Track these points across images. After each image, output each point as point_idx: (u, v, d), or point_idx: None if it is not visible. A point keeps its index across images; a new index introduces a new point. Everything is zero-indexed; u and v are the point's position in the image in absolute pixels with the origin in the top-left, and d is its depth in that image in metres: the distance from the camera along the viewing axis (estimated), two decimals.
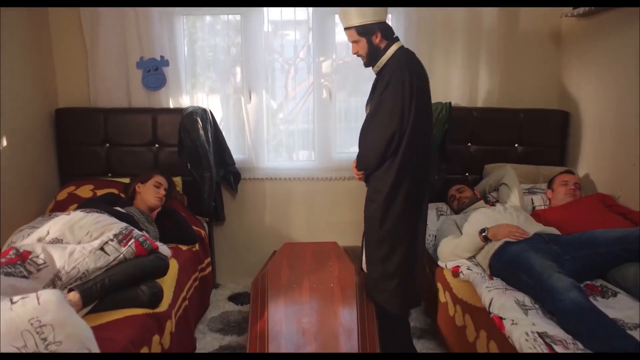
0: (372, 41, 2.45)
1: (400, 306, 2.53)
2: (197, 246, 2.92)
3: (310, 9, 3.39)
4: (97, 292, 1.93)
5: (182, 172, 3.29)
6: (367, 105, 2.60)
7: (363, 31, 2.43)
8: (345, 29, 2.48)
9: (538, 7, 3.34)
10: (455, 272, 2.48)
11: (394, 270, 2.46)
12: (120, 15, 3.26)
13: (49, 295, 1.58)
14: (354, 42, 2.48)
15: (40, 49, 3.24)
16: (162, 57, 3.33)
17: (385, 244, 2.45)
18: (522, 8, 3.41)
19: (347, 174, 3.18)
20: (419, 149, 2.38)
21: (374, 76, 2.57)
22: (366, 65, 2.55)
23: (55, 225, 2.20)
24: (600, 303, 2.00)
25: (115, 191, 2.99)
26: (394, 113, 2.32)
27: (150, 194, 2.83)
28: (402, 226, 2.43)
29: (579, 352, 1.68)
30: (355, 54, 2.53)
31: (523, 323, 1.85)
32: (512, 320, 1.90)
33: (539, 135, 3.39)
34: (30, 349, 1.47)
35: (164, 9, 3.29)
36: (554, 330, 1.80)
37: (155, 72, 3.34)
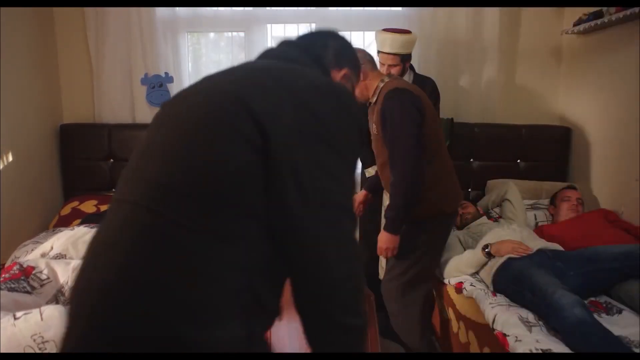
0: (405, 68, 2.76)
1: None
2: None
3: (313, 25, 3.42)
4: None
5: None
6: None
7: (406, 59, 2.75)
8: (388, 53, 2.66)
9: (540, 6, 3.35)
10: (459, 288, 2.47)
11: None
12: (126, 32, 3.30)
13: (52, 311, 1.58)
14: (391, 65, 2.70)
15: (45, 64, 3.28)
16: (166, 73, 3.37)
17: None
18: (523, 25, 3.44)
19: None
20: None
21: None
22: None
23: (59, 240, 2.21)
24: (604, 320, 1.98)
25: None
26: None
27: None
28: None
29: None
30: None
31: (527, 340, 1.84)
32: (516, 337, 1.88)
33: (541, 151, 3.40)
34: None
35: (168, 25, 3.34)
36: (558, 347, 1.78)
37: (159, 88, 3.37)
